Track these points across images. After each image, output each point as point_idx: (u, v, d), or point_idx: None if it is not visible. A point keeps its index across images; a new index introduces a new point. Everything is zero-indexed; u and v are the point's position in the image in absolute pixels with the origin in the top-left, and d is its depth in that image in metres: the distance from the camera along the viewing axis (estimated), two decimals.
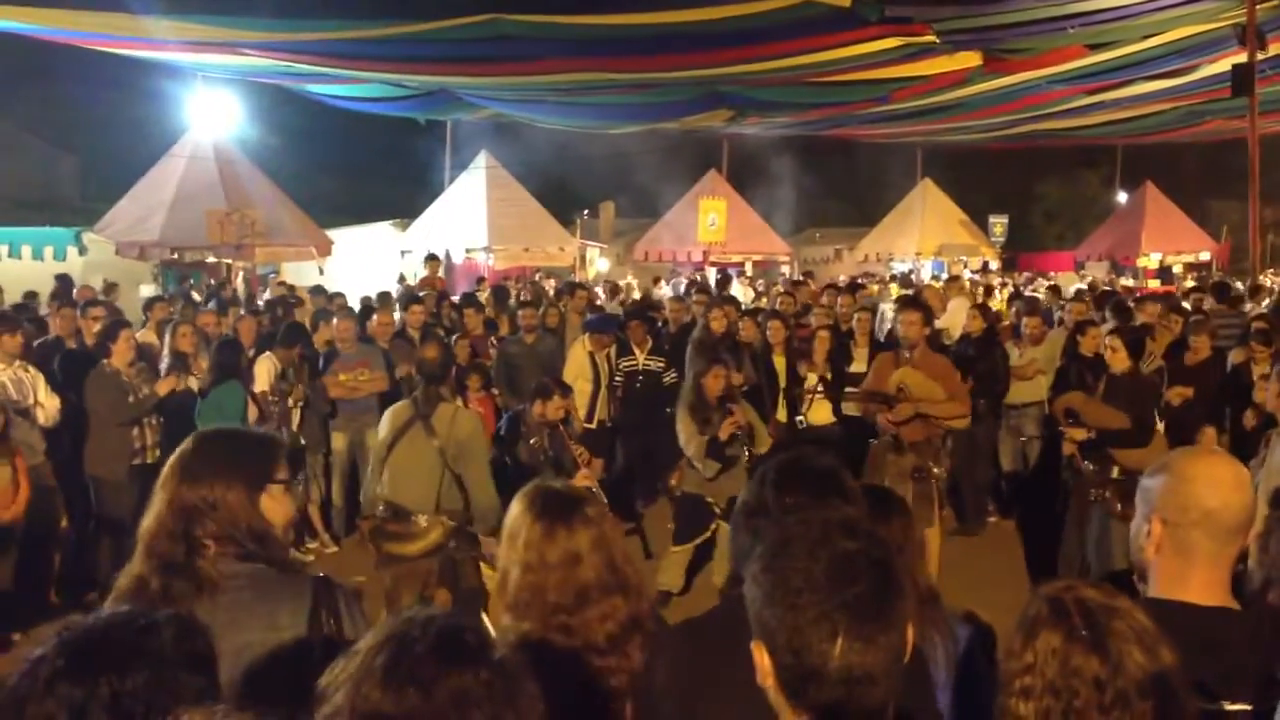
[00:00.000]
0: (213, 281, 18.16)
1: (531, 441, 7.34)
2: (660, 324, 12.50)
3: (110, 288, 15.82)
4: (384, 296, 14.92)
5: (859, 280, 18.52)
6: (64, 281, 14.63)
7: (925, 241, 29.62)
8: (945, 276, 25.66)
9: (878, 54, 16.61)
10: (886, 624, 1.67)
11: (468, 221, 22.70)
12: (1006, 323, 12.57)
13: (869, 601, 1.66)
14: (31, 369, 8.17)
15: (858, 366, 10.11)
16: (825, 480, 2.54)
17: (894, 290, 16.95)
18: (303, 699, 1.59)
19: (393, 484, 5.96)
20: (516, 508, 2.88)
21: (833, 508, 2.35)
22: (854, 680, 1.64)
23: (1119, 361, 7.90)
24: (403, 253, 22.71)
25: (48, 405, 8.06)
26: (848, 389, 9.35)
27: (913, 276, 26.44)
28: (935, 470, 7.66)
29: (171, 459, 2.71)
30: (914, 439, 7.71)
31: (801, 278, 21.46)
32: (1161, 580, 2.41)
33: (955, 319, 12.60)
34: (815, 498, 2.43)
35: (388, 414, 6.26)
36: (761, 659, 1.71)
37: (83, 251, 18.76)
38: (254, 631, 2.51)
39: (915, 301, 8.86)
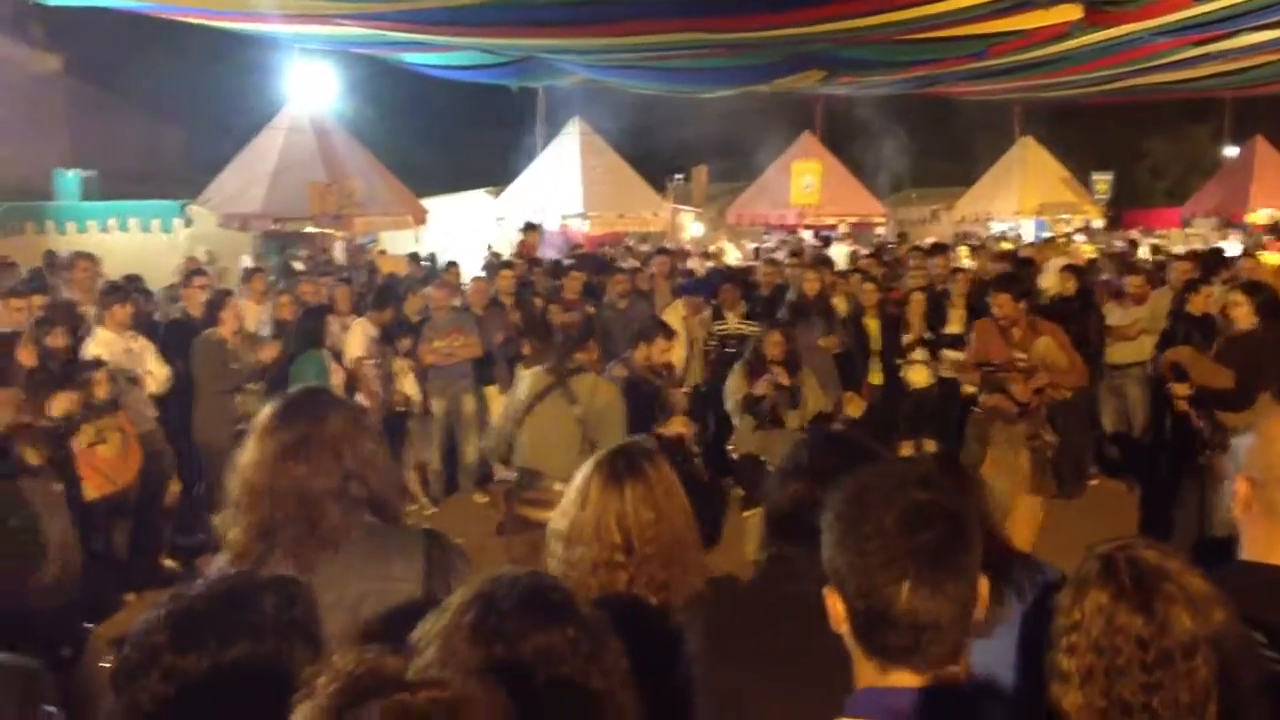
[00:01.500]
0: (304, 255, 18.40)
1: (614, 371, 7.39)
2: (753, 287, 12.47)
3: (209, 259, 16.20)
4: (489, 267, 15.04)
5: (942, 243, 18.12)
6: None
7: (1025, 200, 29.01)
8: (1047, 235, 25.21)
9: (974, 8, 16.23)
10: (954, 573, 1.70)
11: (561, 188, 22.76)
12: (1105, 277, 12.32)
13: (937, 550, 1.69)
14: (141, 338, 8.46)
15: (953, 328, 10.02)
16: (860, 449, 2.58)
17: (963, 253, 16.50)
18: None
19: (530, 449, 5.99)
20: (582, 469, 2.92)
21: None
22: (921, 626, 1.68)
23: (1243, 318, 7.64)
24: (497, 220, 22.86)
25: (157, 373, 8.34)
26: (951, 360, 9.28)
27: (1009, 235, 25.98)
28: (1047, 437, 7.54)
29: (272, 410, 2.73)
30: (1037, 404, 7.59)
31: (894, 240, 21.22)
32: (1250, 541, 2.39)
33: (1051, 280, 12.40)
34: (849, 463, 2.45)
35: (525, 378, 6.30)
36: (835, 605, 1.75)
37: (188, 223, 19.21)
38: (369, 582, 2.57)
39: (1002, 281, 8.58)
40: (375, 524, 2.68)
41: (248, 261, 15.95)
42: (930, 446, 9.89)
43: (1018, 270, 11.78)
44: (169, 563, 8.28)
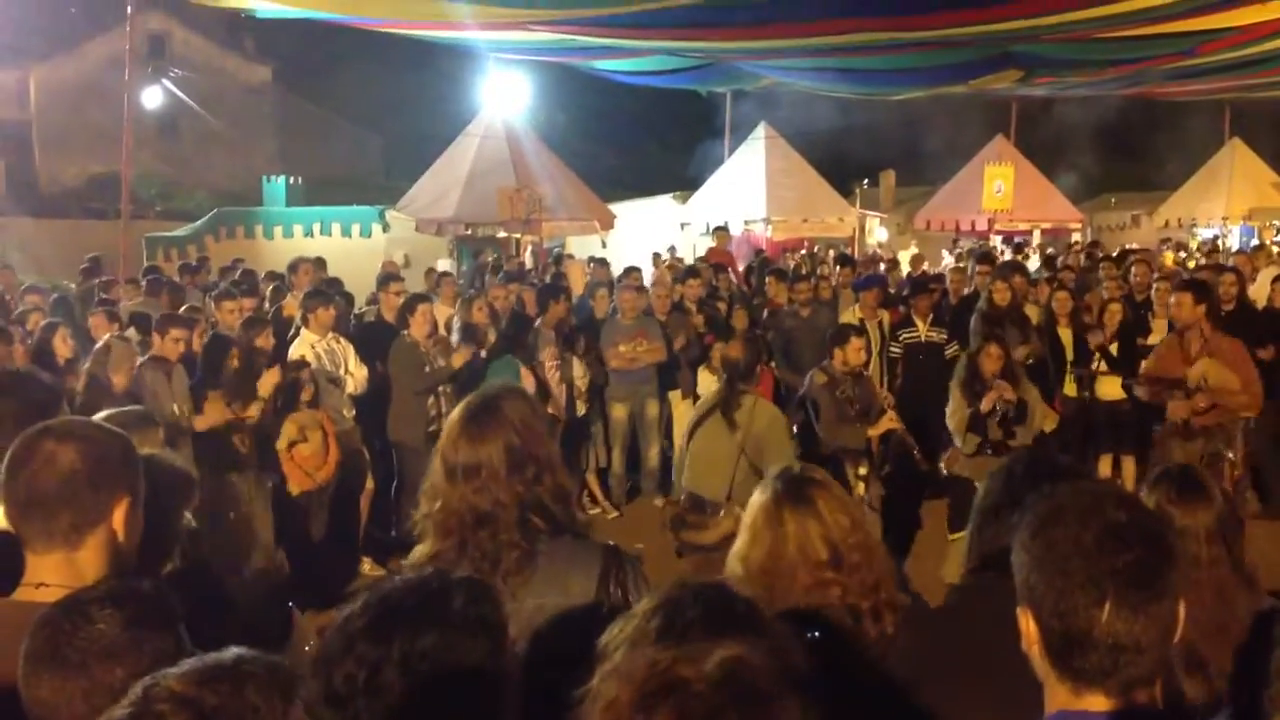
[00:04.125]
0: (493, 256, 18.82)
1: (838, 392, 7.37)
2: (942, 295, 12.24)
3: (406, 263, 16.76)
4: (667, 270, 15.17)
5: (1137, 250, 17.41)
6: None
7: (1233, 205, 27.66)
8: (1254, 243, 24.00)
9: (1184, 3, 15.57)
10: (1156, 594, 1.67)
11: (746, 193, 22.72)
12: None
13: (1139, 571, 1.66)
14: (343, 340, 8.81)
15: (1155, 339, 9.65)
16: (1068, 476, 2.49)
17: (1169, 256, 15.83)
18: (588, 662, 1.70)
19: (691, 473, 6.16)
20: (755, 501, 2.92)
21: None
22: (1120, 648, 1.65)
23: None
24: (682, 225, 22.99)
25: (357, 374, 8.68)
26: (1139, 375, 8.96)
27: (1219, 243, 24.85)
28: (1229, 455, 7.23)
29: (458, 419, 2.79)
30: (1205, 424, 7.31)
31: (1088, 247, 20.54)
32: None
33: (1263, 290, 11.80)
34: None
35: (697, 403, 6.44)
36: (1028, 625, 1.74)
37: (386, 229, 19.91)
38: (547, 595, 2.63)
39: (1189, 283, 8.30)
40: (558, 536, 2.74)
41: (442, 265, 16.44)
42: (1128, 463, 9.55)
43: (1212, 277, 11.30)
44: (365, 560, 8.58)
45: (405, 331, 8.86)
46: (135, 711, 1.49)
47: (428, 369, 8.71)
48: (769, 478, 2.97)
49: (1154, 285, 10.52)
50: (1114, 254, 15.42)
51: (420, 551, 2.77)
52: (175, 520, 2.96)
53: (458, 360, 8.82)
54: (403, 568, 2.71)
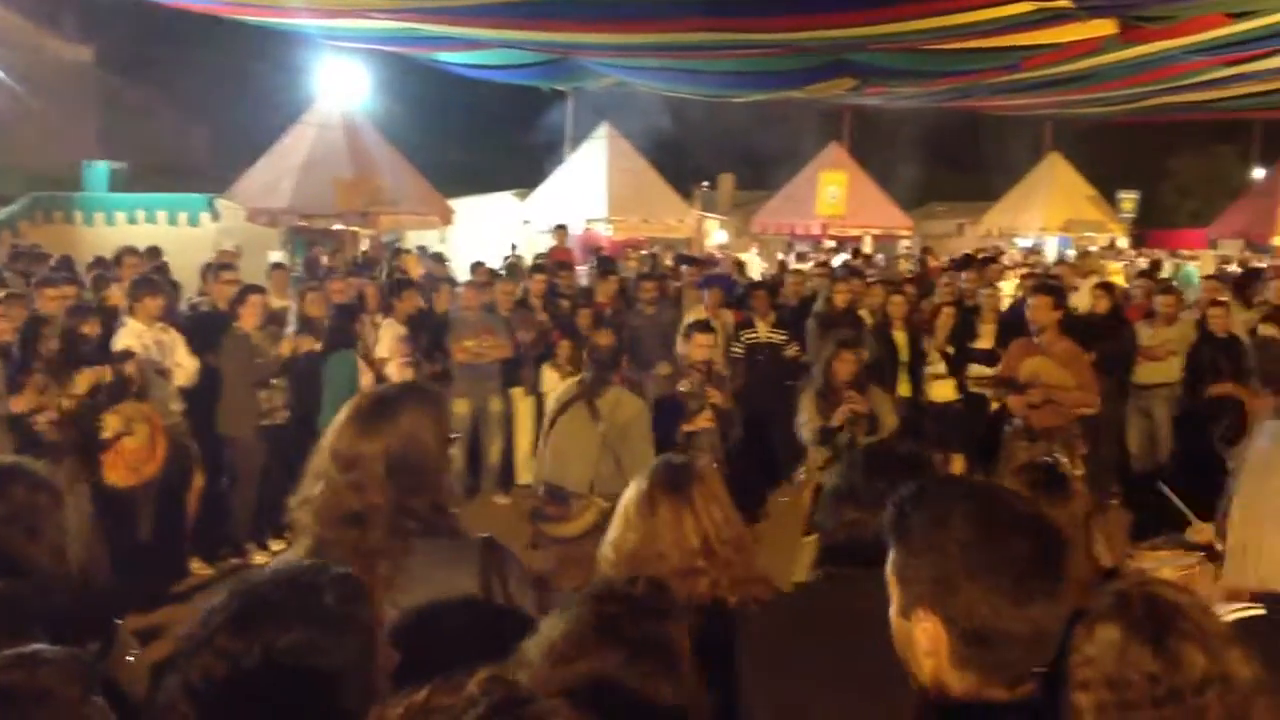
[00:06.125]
0: (332, 251, 18.40)
1: (681, 386, 7.38)
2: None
3: (236, 253, 16.24)
4: (510, 267, 15.08)
5: (985, 255, 18.10)
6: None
7: (1051, 217, 28.88)
8: (1071, 253, 25.08)
9: (1009, 19, 16.13)
10: (1051, 591, 1.71)
11: (587, 192, 22.77)
12: (1138, 301, 12.23)
13: (1037, 563, 1.70)
14: (172, 330, 8.46)
15: (983, 343, 9.97)
16: (911, 466, 2.55)
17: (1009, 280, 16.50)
18: (475, 658, 1.63)
19: (552, 464, 6.06)
20: (633, 488, 2.91)
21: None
22: (1023, 639, 1.69)
23: None
24: (523, 222, 22.89)
25: (186, 365, 8.34)
26: (976, 375, 9.23)
27: (1037, 252, 25.87)
28: (1063, 460, 7.50)
29: (352, 408, 2.72)
30: (1046, 425, 7.57)
31: (921, 254, 21.18)
32: None
33: (1085, 299, 12.33)
34: (903, 483, 2.43)
35: (555, 393, 6.38)
36: (930, 628, 1.73)
37: (215, 217, 19.25)
38: (426, 596, 2.55)
39: (1047, 285, 8.67)
40: (433, 535, 2.67)
41: (275, 257, 15.99)
42: (956, 462, 9.83)
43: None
44: (194, 559, 8.28)
45: (236, 322, 8.58)
46: None
47: (259, 361, 8.45)
48: (649, 466, 2.94)
49: (982, 291, 10.88)
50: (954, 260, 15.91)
51: (296, 543, 2.67)
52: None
53: (285, 349, 8.57)
54: (277, 560, 2.61)
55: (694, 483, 2.84)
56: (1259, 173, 33.71)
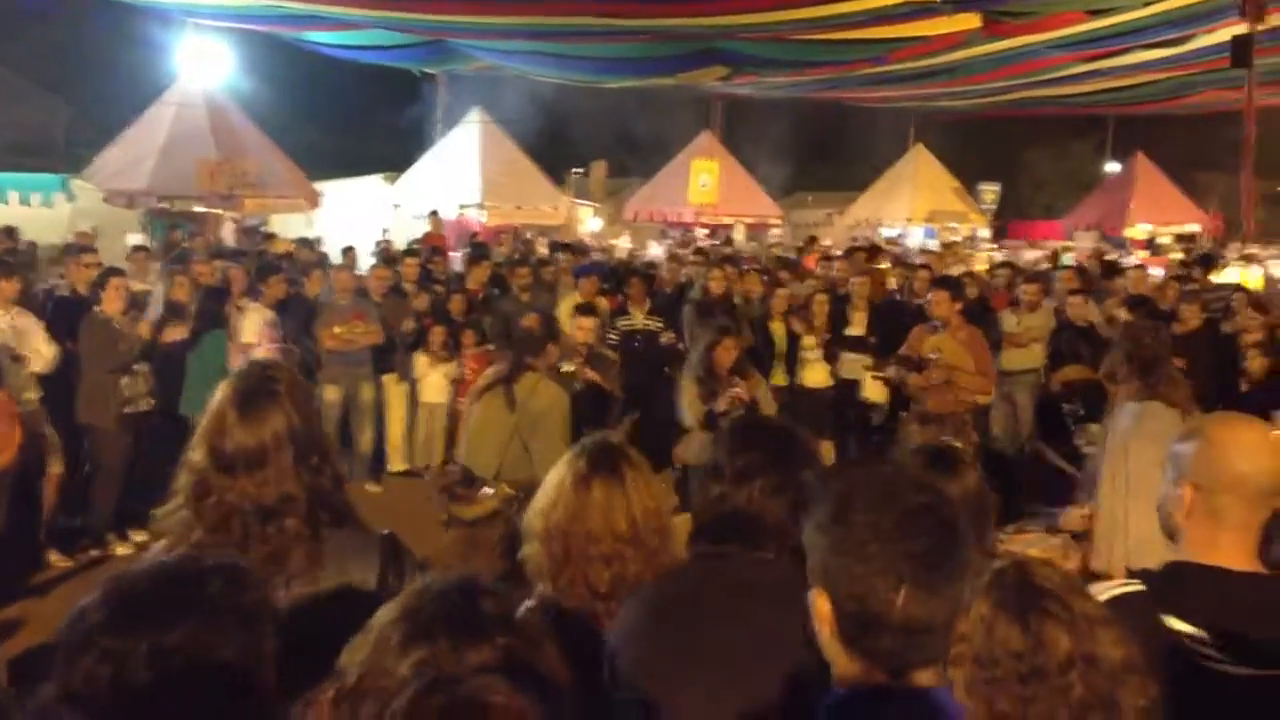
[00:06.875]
0: (193, 233, 17.87)
1: (563, 368, 7.33)
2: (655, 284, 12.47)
3: (93, 235, 15.68)
4: (382, 253, 14.83)
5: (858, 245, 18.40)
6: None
7: (916, 208, 29.51)
8: (935, 243, 25.65)
9: (878, 10, 16.48)
10: (949, 577, 1.70)
11: (460, 177, 22.53)
12: (1001, 290, 12.56)
13: (934, 554, 1.69)
14: (28, 315, 8.12)
15: (855, 330, 10.13)
16: (780, 440, 2.57)
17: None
18: None
19: (466, 447, 6.11)
20: (562, 465, 2.88)
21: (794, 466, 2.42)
22: (914, 629, 1.67)
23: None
24: (393, 207, 22.56)
25: (44, 352, 8.00)
26: (853, 362, 9.40)
27: (903, 242, 26.40)
28: (958, 444, 7.65)
29: (228, 400, 2.57)
30: (941, 411, 7.73)
31: (801, 243, 21.48)
32: (1191, 544, 2.42)
33: None
34: (769, 458, 2.47)
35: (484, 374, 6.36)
36: (822, 606, 1.72)
37: (71, 198, 18.54)
38: (324, 584, 2.49)
39: (943, 280, 8.86)
40: (339, 524, 2.60)
41: (133, 239, 15.48)
42: (826, 448, 9.96)
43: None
44: (50, 551, 7.97)
45: (97, 307, 8.27)
46: None
47: (121, 346, 8.16)
48: (582, 442, 2.91)
49: (853, 280, 11.05)
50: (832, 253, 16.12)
51: (171, 534, 2.53)
52: None
53: (145, 332, 8.31)
54: (150, 553, 2.49)
55: (628, 466, 2.81)
56: (1113, 167, 34.94)
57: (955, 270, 13.79)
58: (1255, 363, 8.86)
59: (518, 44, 20.28)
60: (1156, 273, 14.57)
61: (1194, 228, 30.11)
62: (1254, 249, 15.86)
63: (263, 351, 8.97)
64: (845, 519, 1.72)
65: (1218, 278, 13.94)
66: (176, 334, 8.39)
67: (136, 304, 8.81)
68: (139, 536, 8.22)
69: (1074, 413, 7.79)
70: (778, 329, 10.12)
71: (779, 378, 9.97)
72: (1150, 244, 29.63)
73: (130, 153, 18.67)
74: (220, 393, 2.60)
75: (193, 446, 2.55)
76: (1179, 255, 21.64)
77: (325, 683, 1.32)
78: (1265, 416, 3.72)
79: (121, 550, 8.17)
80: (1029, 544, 5.05)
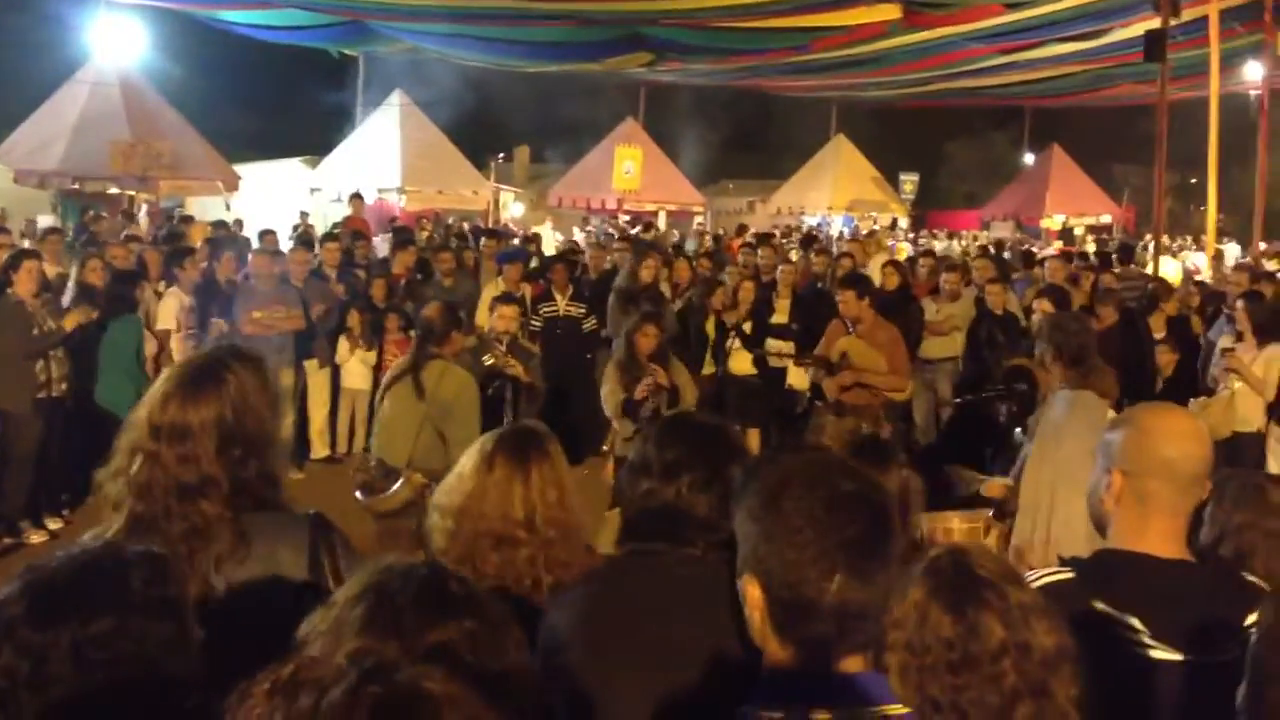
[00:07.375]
0: (104, 216, 17.47)
1: (486, 359, 7.27)
2: (579, 270, 12.42)
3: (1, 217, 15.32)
4: (302, 236, 14.61)
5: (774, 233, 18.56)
6: None
7: (837, 197, 29.82)
8: (853, 232, 25.92)
9: None
10: (881, 563, 1.70)
11: (380, 161, 22.31)
12: (923, 279, 12.70)
13: (866, 541, 1.68)
14: None
15: (779, 318, 10.18)
16: (707, 434, 2.55)
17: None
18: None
19: (378, 439, 6.05)
20: (479, 446, 2.86)
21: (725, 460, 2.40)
22: (846, 616, 1.67)
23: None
24: (312, 190, 22.27)
25: None
26: (775, 350, 9.44)
27: (822, 231, 26.62)
28: (881, 434, 7.75)
29: (174, 374, 2.55)
30: (855, 404, 7.80)
31: (721, 231, 21.57)
32: (1120, 532, 2.45)
33: (875, 276, 12.72)
34: (696, 452, 2.45)
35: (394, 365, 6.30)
36: (753, 592, 1.71)
37: None
38: (257, 572, 2.44)
39: (849, 279, 8.87)
40: (263, 508, 2.54)
41: (44, 221, 15.13)
42: (752, 435, 10.00)
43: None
44: None
45: (10, 290, 8.04)
46: None
47: (36, 331, 7.94)
48: (504, 427, 2.90)
49: (778, 268, 11.09)
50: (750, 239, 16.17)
51: (106, 521, 2.48)
52: None
53: (69, 323, 8.10)
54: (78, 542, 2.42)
55: (537, 456, 2.79)
56: (1029, 158, 35.55)
57: (879, 259, 13.89)
58: (1164, 358, 9.17)
59: (438, 26, 20.09)
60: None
61: (1107, 219, 30.77)
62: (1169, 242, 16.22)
63: (177, 339, 8.80)
64: (777, 506, 1.71)
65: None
66: (79, 317, 8.15)
67: (50, 288, 8.59)
68: (54, 524, 8.03)
69: (1008, 410, 7.87)
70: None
71: (708, 366, 9.99)
72: (1064, 233, 30.24)
73: (41, 132, 18.27)
74: (179, 363, 2.63)
75: (142, 403, 2.53)
76: (1092, 247, 22.08)
77: (269, 667, 1.28)
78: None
79: (36, 538, 7.97)
80: (951, 518, 5.14)
